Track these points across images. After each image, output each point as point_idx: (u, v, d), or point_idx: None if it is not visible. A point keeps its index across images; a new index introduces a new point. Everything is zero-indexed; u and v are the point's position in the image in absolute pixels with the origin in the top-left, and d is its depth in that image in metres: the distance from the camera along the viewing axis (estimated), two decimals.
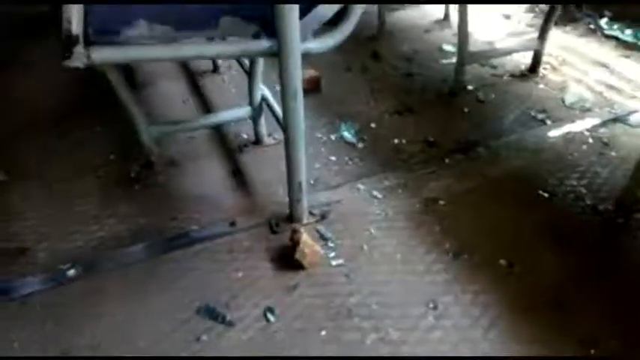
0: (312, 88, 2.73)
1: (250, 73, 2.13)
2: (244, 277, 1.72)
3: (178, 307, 1.62)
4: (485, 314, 1.55)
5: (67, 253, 1.84)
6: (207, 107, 2.66)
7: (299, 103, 1.59)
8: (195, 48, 1.52)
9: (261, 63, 2.09)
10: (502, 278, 1.66)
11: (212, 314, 1.59)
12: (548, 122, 2.41)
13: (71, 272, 1.76)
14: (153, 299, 1.65)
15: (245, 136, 2.40)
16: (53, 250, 1.86)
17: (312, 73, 2.76)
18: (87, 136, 2.45)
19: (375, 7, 3.25)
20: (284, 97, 1.58)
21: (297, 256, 1.70)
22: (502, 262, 1.71)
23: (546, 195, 1.99)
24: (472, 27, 3.03)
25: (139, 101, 2.63)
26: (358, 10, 1.61)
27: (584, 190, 2.00)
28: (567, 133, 2.33)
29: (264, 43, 1.54)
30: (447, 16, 3.41)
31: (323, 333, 1.53)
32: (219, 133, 2.44)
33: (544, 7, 3.42)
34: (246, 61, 2.24)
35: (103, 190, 2.12)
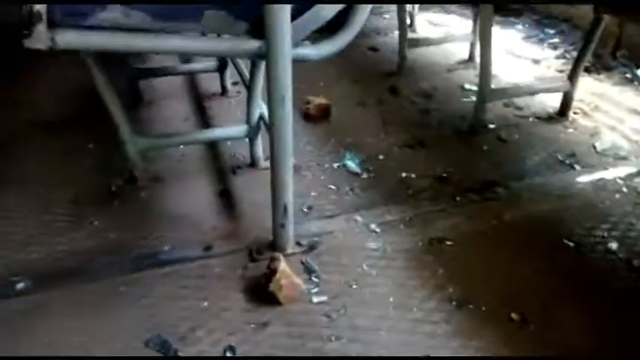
0: (320, 115, 2.56)
1: (249, 88, 1.98)
2: (210, 307, 1.48)
3: (125, 335, 1.38)
4: None
5: (22, 264, 1.65)
6: (207, 127, 2.51)
7: (287, 112, 1.40)
8: (175, 41, 1.37)
9: (261, 77, 1.94)
10: (513, 335, 1.37)
11: (162, 347, 1.35)
12: (577, 167, 2.16)
13: (20, 285, 1.56)
14: (99, 323, 1.42)
15: (240, 157, 2.22)
16: (9, 261, 1.68)
17: (322, 101, 2.60)
18: (78, 148, 2.31)
19: (396, 43, 3.12)
20: (270, 103, 1.40)
21: (272, 287, 1.46)
22: (514, 315, 1.43)
23: (572, 245, 1.71)
24: (497, 69, 2.87)
25: (140, 119, 2.52)
26: (363, 12, 1.43)
27: (616, 243, 1.71)
28: (598, 180, 2.06)
29: (252, 43, 1.38)
30: (471, 57, 3.25)
31: None
32: (213, 152, 2.27)
33: (575, 53, 3.23)
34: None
35: (79, 203, 1.95)
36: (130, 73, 2.62)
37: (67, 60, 2.97)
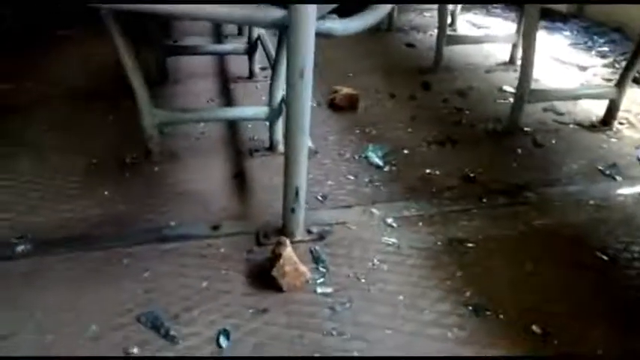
0: (347, 106, 2.47)
1: (273, 68, 1.90)
2: (208, 287, 1.41)
3: (118, 309, 1.32)
4: None
5: (26, 227, 1.62)
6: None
7: (305, 86, 1.31)
8: (194, 6, 1.29)
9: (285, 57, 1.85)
10: (532, 348, 1.25)
11: (155, 324, 1.28)
12: (618, 179, 1.99)
13: (20, 248, 1.52)
14: (95, 293, 1.37)
15: (260, 141, 2.14)
16: (15, 222, 1.65)
17: (349, 90, 2.50)
18: (98, 120, 2.29)
19: (434, 42, 3.00)
20: (288, 76, 1.32)
21: (275, 272, 1.37)
22: (535, 328, 1.30)
23: (606, 259, 1.57)
24: (540, 74, 2.71)
25: (163, 95, 2.48)
26: None
27: None
28: None
29: (276, 12, 1.30)
30: (512, 60, 3.09)
31: None
32: (232, 133, 2.20)
33: (624, 63, 3.03)
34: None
35: (91, 172, 1.91)
36: (158, 50, 2.58)
37: (95, 37, 3.01)
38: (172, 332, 1.26)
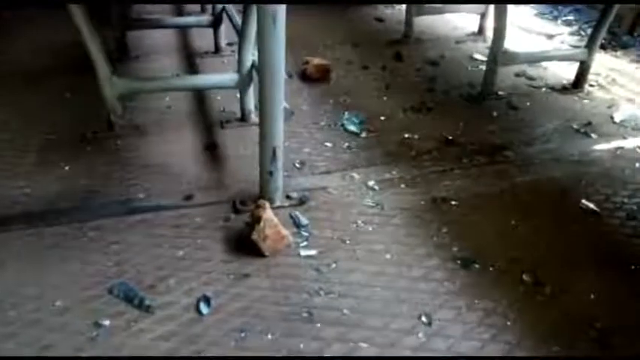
0: (319, 76, 2.39)
1: (241, 33, 1.81)
2: (185, 256, 1.32)
3: (85, 283, 1.22)
4: (496, 340, 1.10)
5: None
6: None
7: (279, 31, 1.23)
8: None
9: (254, 22, 1.76)
10: (526, 298, 1.21)
11: (128, 295, 1.18)
12: (594, 136, 1.99)
13: None
14: (57, 269, 1.26)
15: (231, 112, 2.05)
16: None
17: (321, 61, 2.43)
18: (54, 98, 2.13)
19: (403, 15, 2.95)
20: (260, 19, 1.23)
21: (255, 236, 1.29)
22: (526, 278, 1.27)
23: (589, 209, 1.55)
24: (509, 43, 2.71)
25: (124, 72, 2.34)
26: None
27: (636, 209, 1.56)
28: (616, 149, 1.90)
29: None
30: (481, 30, 3.07)
31: (269, 337, 1.10)
32: (201, 106, 2.10)
33: (589, 30, 3.07)
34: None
35: (47, 148, 1.78)
36: (116, 22, 2.44)
37: (49, 17, 2.84)
38: (147, 302, 1.16)
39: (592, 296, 1.23)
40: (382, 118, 2.09)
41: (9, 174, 1.63)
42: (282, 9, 1.22)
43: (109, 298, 1.18)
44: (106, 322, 1.11)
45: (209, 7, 3.15)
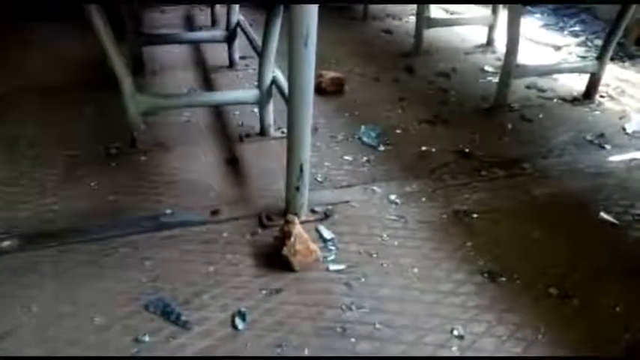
0: (334, 89, 2.43)
1: (262, 47, 1.84)
2: (216, 272, 1.34)
3: (121, 299, 1.24)
4: (528, 352, 1.12)
5: (9, 223, 1.51)
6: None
7: (310, 52, 1.27)
8: None
9: (276, 35, 1.80)
10: (554, 310, 1.24)
11: (164, 311, 1.21)
12: (608, 147, 2.03)
13: (6, 244, 1.42)
14: (93, 286, 1.28)
15: (249, 126, 2.08)
16: None
17: (335, 74, 2.47)
18: (76, 113, 2.16)
19: (410, 28, 3.00)
20: (291, 41, 1.26)
21: (286, 251, 1.32)
22: (552, 291, 1.30)
23: (609, 222, 1.58)
24: (519, 54, 2.75)
25: (143, 87, 2.37)
26: None
27: None
28: (631, 160, 1.94)
29: None
30: (490, 42, 3.12)
31: (305, 352, 1.12)
32: (219, 121, 2.13)
33: (598, 41, 3.12)
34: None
35: (73, 164, 1.81)
36: (133, 39, 2.47)
37: (69, 32, 2.88)
38: (184, 317, 1.18)
39: (619, 308, 1.25)
40: (398, 131, 2.12)
41: (37, 190, 1.66)
42: (313, 32, 1.25)
43: (145, 314, 1.20)
44: (146, 339, 1.13)
45: (220, 20, 3.20)
